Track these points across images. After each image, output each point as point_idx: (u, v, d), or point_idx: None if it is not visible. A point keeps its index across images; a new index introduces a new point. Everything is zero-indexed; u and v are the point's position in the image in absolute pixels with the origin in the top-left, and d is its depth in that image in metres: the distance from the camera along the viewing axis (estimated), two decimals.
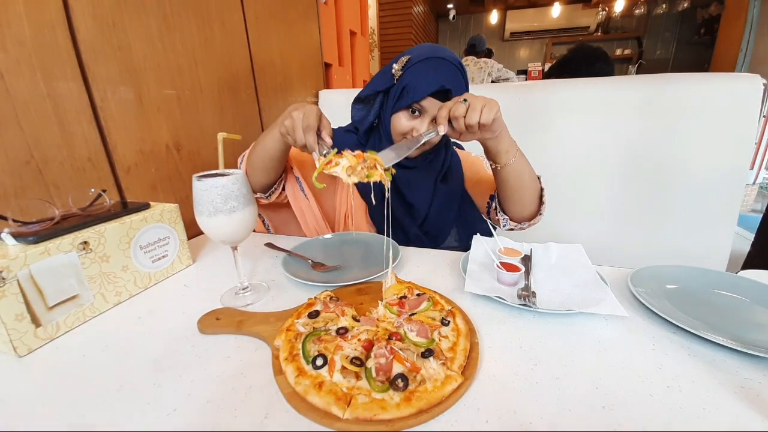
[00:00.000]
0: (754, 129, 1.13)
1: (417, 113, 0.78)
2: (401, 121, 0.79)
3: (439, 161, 0.92)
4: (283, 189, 0.87)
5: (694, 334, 0.48)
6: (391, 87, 0.81)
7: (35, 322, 0.49)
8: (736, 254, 1.29)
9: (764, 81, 1.11)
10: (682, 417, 0.36)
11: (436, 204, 0.90)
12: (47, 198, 0.65)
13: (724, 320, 0.52)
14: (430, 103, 0.76)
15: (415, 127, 0.78)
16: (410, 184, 0.83)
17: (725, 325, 0.51)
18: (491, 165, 0.76)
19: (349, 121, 0.94)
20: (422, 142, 0.67)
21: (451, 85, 0.75)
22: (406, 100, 0.77)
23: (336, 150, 0.61)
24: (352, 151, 0.61)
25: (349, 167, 0.57)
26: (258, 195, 0.83)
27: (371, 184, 0.61)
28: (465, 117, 0.62)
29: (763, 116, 3.56)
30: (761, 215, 1.51)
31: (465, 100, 0.63)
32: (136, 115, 0.80)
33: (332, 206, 0.92)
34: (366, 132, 0.88)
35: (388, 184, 0.60)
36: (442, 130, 0.64)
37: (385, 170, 0.60)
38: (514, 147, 0.72)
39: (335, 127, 0.82)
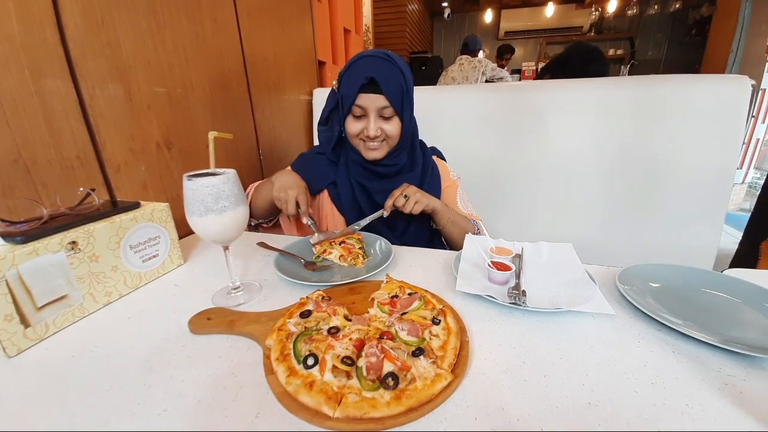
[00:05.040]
0: (743, 129, 1.15)
1: (361, 115, 0.85)
2: (350, 126, 0.88)
3: (415, 175, 0.96)
4: (278, 220, 1.03)
5: (680, 332, 0.48)
6: (337, 102, 0.89)
7: (24, 322, 0.48)
8: (723, 253, 1.32)
9: (752, 82, 1.13)
10: (665, 413, 0.37)
11: (415, 219, 0.93)
12: (35, 197, 0.64)
13: (710, 318, 0.53)
14: (366, 100, 0.83)
15: (364, 128, 0.86)
16: (386, 196, 0.86)
17: (710, 323, 0.52)
18: (433, 225, 0.95)
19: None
20: (369, 221, 0.86)
21: (373, 73, 0.80)
22: (345, 105, 0.85)
23: (316, 227, 0.83)
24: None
25: (341, 256, 0.74)
26: (261, 221, 1.00)
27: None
28: (405, 206, 0.82)
29: (752, 116, 3.62)
30: (749, 214, 1.54)
31: (406, 195, 0.82)
32: (126, 113, 0.79)
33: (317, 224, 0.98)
34: (333, 149, 0.97)
35: (364, 265, 0.74)
36: (386, 213, 0.84)
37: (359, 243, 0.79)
38: (447, 213, 0.89)
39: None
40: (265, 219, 1.00)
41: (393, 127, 0.87)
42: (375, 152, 0.89)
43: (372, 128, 0.84)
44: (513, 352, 0.47)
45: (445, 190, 1.00)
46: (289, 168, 0.90)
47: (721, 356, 0.45)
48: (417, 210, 0.83)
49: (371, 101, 0.83)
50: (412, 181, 0.91)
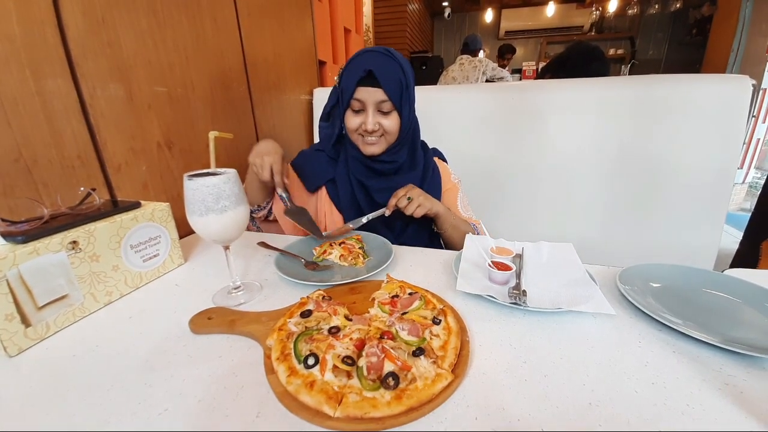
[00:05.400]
0: (743, 129, 1.15)
1: (359, 109, 0.85)
2: (349, 120, 0.88)
3: (416, 175, 0.95)
4: (271, 210, 1.00)
5: (680, 332, 0.48)
6: (338, 98, 0.89)
7: (25, 322, 0.48)
8: (724, 253, 1.31)
9: (753, 82, 1.13)
10: (666, 413, 0.37)
11: (414, 220, 0.91)
12: (36, 197, 0.64)
13: (710, 318, 0.53)
14: (365, 94, 0.83)
15: (362, 122, 0.85)
16: (388, 200, 0.86)
17: (711, 323, 0.52)
18: (434, 228, 0.95)
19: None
20: (370, 219, 0.86)
21: (371, 66, 0.81)
22: (345, 99, 0.85)
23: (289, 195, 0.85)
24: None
25: (341, 256, 0.74)
26: (253, 208, 0.97)
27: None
28: (407, 207, 0.83)
29: (753, 116, 3.62)
30: (749, 214, 1.54)
31: (410, 198, 0.82)
32: (127, 113, 0.79)
33: (316, 222, 0.97)
34: (333, 146, 0.97)
35: (364, 265, 0.73)
36: (388, 212, 0.85)
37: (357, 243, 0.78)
38: (450, 218, 0.90)
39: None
40: (253, 205, 0.96)
41: (391, 122, 0.86)
42: (373, 147, 0.88)
43: (370, 122, 0.84)
44: (513, 352, 0.47)
45: (445, 193, 1.00)
46: (270, 139, 0.89)
47: (721, 356, 0.45)
48: (419, 213, 0.83)
49: (369, 95, 0.83)
50: (413, 181, 0.91)
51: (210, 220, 0.53)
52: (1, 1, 0.58)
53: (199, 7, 0.95)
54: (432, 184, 0.97)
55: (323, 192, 0.98)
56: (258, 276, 0.69)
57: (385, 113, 0.85)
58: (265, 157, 0.81)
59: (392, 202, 0.83)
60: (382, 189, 0.91)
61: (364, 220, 0.86)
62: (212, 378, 0.43)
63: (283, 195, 0.83)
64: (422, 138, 1.02)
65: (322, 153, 0.98)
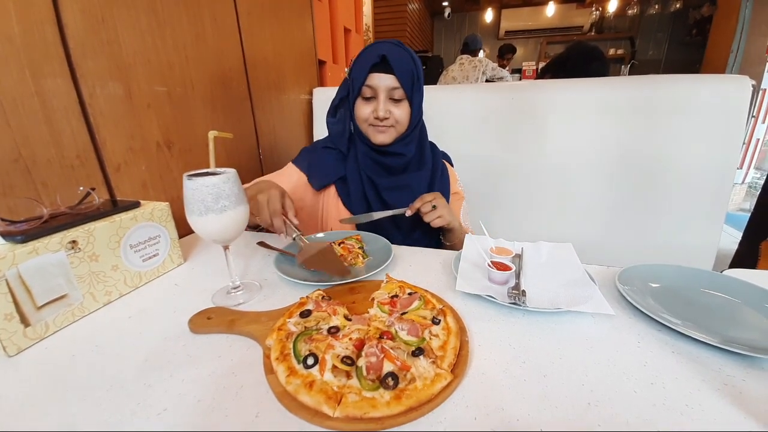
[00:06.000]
0: (743, 129, 1.15)
1: (370, 96, 0.85)
2: (360, 109, 0.87)
3: (425, 174, 0.95)
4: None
5: (679, 332, 0.48)
6: (348, 91, 0.88)
7: (24, 321, 0.48)
8: (723, 253, 1.32)
9: (753, 82, 1.13)
10: (665, 413, 0.37)
11: (422, 225, 0.90)
12: (35, 196, 0.64)
13: (709, 318, 0.54)
14: (377, 80, 0.83)
15: (373, 110, 0.84)
16: (397, 199, 0.85)
17: (710, 323, 0.52)
18: (442, 238, 0.94)
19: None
20: (389, 215, 0.85)
21: (384, 51, 0.82)
22: (356, 87, 0.85)
23: (301, 233, 0.73)
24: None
25: (341, 256, 0.72)
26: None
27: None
28: (428, 214, 0.82)
29: (752, 116, 3.62)
30: (749, 214, 1.54)
31: (434, 206, 0.82)
32: (126, 112, 0.79)
33: (317, 221, 0.99)
34: (346, 143, 0.95)
35: (364, 265, 0.72)
36: (409, 213, 0.83)
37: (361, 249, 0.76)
38: (460, 234, 0.89)
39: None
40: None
41: (402, 111, 0.86)
42: (383, 135, 0.88)
43: (381, 108, 0.84)
44: (513, 352, 0.47)
45: (452, 198, 1.00)
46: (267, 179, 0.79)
47: (720, 357, 0.45)
48: (437, 224, 0.83)
49: (381, 81, 0.83)
50: (422, 180, 0.91)
51: (209, 220, 0.53)
52: (0, 1, 0.58)
53: (199, 7, 0.95)
54: (441, 185, 0.97)
55: (331, 190, 0.96)
56: (257, 276, 0.69)
57: (396, 101, 0.85)
58: (259, 196, 0.68)
59: (417, 204, 0.82)
60: (392, 187, 0.91)
61: (383, 215, 0.85)
62: (212, 378, 0.43)
63: (294, 236, 0.71)
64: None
65: (331, 150, 0.96)
